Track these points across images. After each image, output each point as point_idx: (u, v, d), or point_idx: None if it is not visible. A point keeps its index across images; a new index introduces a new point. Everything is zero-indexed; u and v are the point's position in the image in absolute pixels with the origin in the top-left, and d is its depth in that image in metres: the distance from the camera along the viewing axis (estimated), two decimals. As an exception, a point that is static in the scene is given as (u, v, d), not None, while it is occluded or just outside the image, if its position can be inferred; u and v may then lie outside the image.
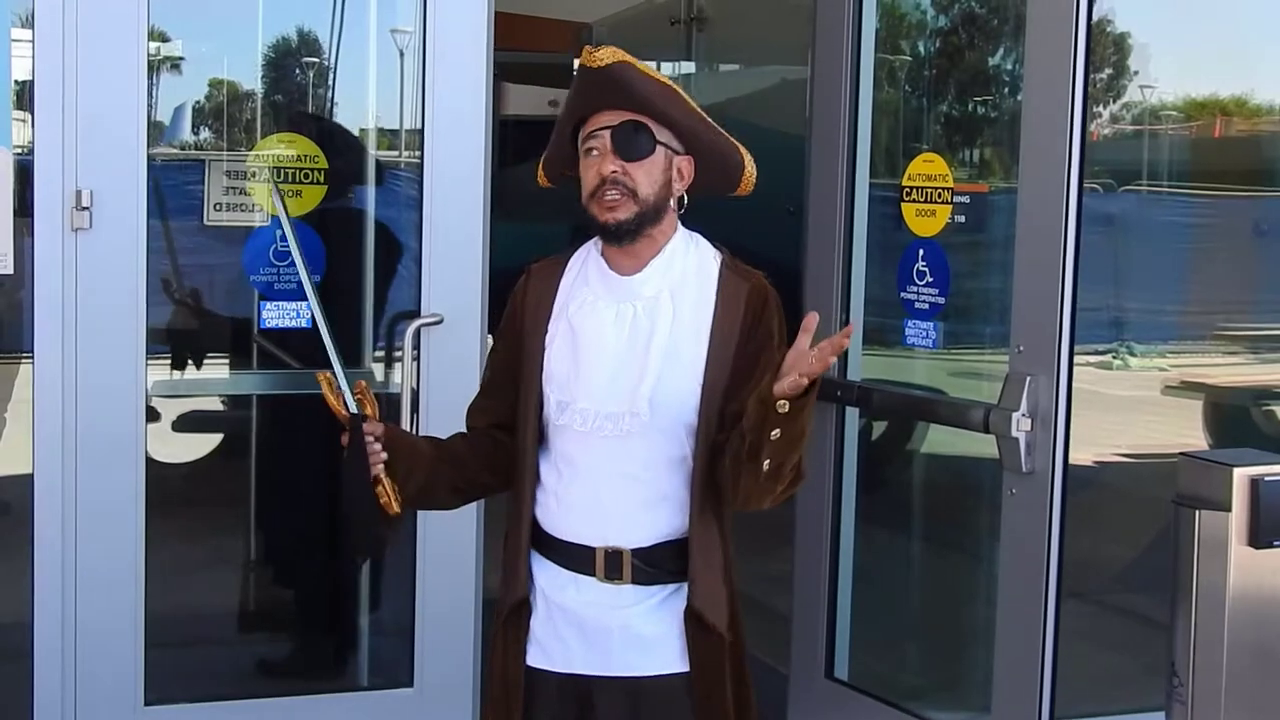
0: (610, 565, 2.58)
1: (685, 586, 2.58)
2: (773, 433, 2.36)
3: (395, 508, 2.60)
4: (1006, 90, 4.37)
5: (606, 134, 2.55)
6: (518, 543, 2.66)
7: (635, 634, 2.59)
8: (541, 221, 7.40)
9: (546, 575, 2.64)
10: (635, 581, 2.58)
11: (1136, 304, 5.30)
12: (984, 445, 3.63)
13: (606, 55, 2.53)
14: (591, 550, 2.59)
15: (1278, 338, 5.47)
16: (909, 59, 4.59)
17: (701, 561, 2.57)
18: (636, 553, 2.58)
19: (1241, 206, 5.65)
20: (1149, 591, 4.35)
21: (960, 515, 4.40)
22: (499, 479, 2.72)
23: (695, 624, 2.58)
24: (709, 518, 2.57)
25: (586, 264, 2.67)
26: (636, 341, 2.57)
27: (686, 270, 2.62)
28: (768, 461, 2.40)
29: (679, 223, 2.66)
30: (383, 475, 2.59)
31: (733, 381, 2.56)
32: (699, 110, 2.63)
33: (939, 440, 4.55)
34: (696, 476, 2.56)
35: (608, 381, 2.57)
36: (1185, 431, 5.34)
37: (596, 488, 2.59)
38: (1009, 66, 4.32)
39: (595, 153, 2.56)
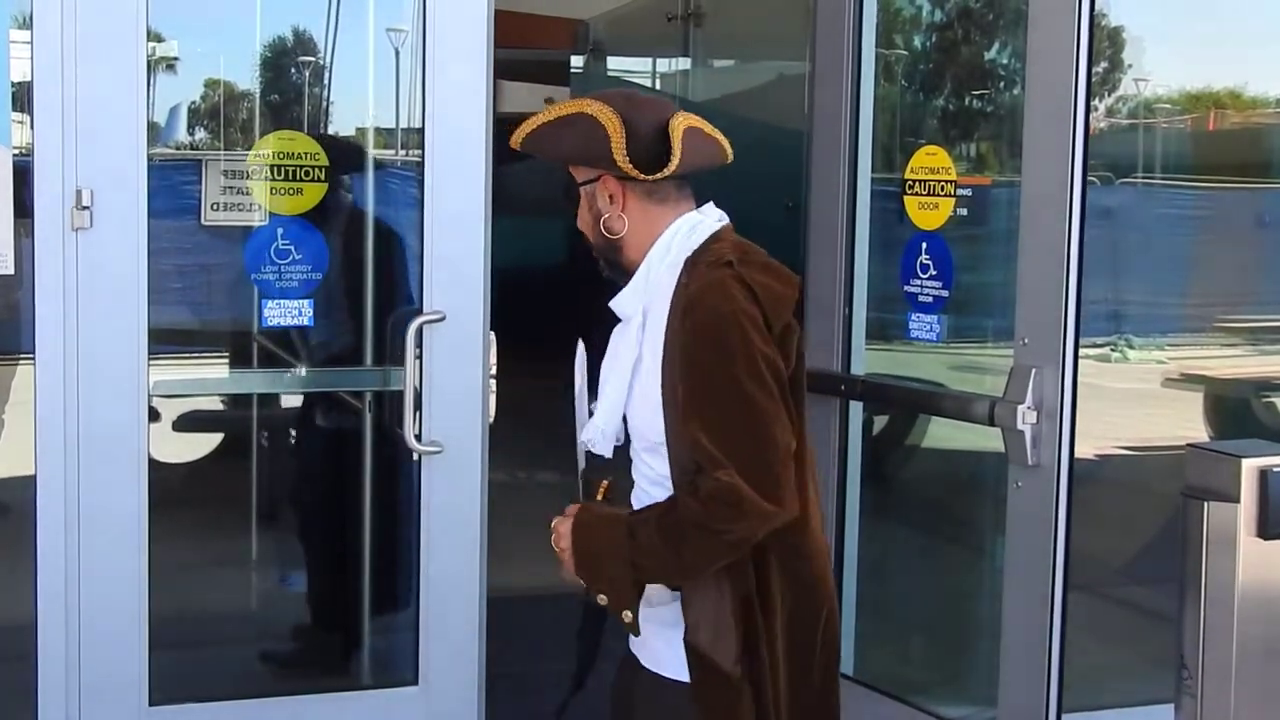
0: None
1: None
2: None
3: None
4: (1003, 84, 4.37)
5: None
6: None
7: (655, 625, 2.56)
8: (538, 217, 7.41)
9: None
10: None
11: (1135, 297, 5.30)
12: (988, 439, 3.62)
13: (514, 142, 2.52)
14: None
15: (1277, 329, 5.48)
16: (905, 53, 4.58)
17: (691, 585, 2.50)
18: None
19: (1237, 198, 5.65)
20: (1152, 584, 4.35)
21: (965, 509, 4.40)
22: None
23: (694, 657, 2.50)
24: None
25: None
26: (610, 368, 2.58)
27: (661, 280, 2.49)
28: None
29: (671, 222, 2.51)
30: None
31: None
32: (551, 116, 2.47)
33: (943, 434, 4.54)
34: None
35: (597, 408, 2.58)
36: (1185, 424, 5.34)
37: (626, 498, 2.59)
38: (1005, 61, 4.32)
39: None
